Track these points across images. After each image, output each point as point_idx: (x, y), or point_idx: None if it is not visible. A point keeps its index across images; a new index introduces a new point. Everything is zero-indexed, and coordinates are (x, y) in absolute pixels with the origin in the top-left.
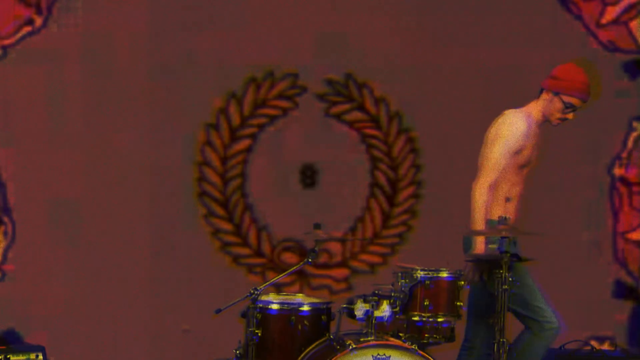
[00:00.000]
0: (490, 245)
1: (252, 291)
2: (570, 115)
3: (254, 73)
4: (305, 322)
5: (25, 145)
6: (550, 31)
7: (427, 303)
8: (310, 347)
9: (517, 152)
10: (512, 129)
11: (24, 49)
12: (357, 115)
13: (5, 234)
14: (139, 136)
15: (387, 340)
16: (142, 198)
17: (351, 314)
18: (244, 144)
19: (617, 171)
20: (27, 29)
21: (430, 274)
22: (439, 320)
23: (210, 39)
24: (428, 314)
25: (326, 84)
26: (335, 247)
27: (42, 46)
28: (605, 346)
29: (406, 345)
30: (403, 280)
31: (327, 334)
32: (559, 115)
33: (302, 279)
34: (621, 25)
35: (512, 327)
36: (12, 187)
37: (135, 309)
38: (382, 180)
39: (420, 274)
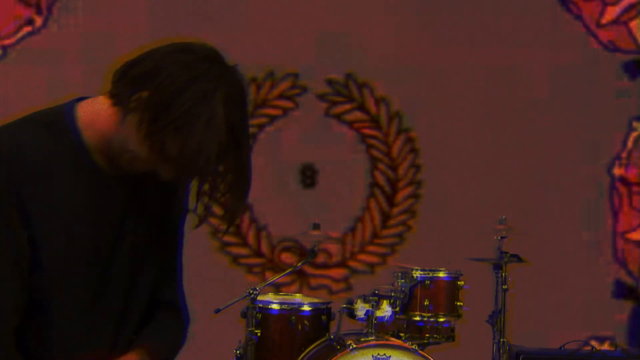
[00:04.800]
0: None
1: (250, 291)
2: None
3: (255, 73)
4: (306, 322)
5: None
6: (550, 31)
7: (427, 303)
8: (310, 347)
9: None
10: None
11: (24, 49)
12: (357, 115)
13: None
14: None
15: (387, 340)
16: None
17: (351, 314)
18: None
19: (617, 171)
20: (27, 29)
21: (430, 274)
22: (440, 320)
23: (211, 39)
24: (428, 314)
25: (327, 84)
26: (334, 247)
27: (42, 46)
28: (605, 346)
29: (406, 345)
30: (402, 280)
31: (327, 334)
32: None
33: (300, 278)
34: (621, 25)
35: (512, 327)
36: None
37: None
38: (381, 180)
39: (418, 273)
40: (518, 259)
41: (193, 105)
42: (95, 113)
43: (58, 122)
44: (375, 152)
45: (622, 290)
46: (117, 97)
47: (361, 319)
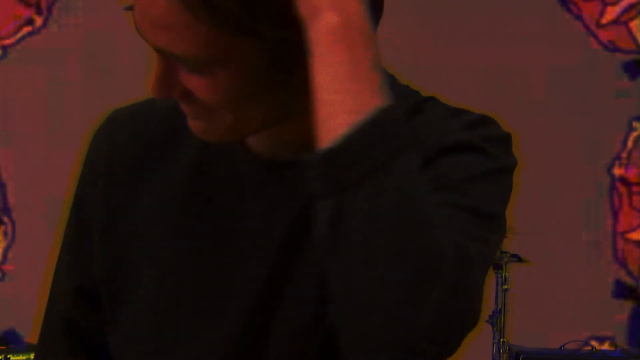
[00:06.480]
0: None
1: None
2: None
3: None
4: None
5: (25, 145)
6: (550, 31)
7: None
8: None
9: None
10: None
11: (24, 49)
12: None
13: (5, 234)
14: None
15: None
16: None
17: None
18: None
19: (617, 171)
20: (27, 29)
21: None
22: None
23: None
24: None
25: None
26: None
27: (42, 46)
28: (605, 346)
29: None
30: None
31: None
32: None
33: None
34: (621, 25)
35: (512, 327)
36: (12, 187)
37: None
38: None
39: None
40: (518, 259)
41: None
42: None
43: None
44: None
45: (622, 290)
46: None
47: None
